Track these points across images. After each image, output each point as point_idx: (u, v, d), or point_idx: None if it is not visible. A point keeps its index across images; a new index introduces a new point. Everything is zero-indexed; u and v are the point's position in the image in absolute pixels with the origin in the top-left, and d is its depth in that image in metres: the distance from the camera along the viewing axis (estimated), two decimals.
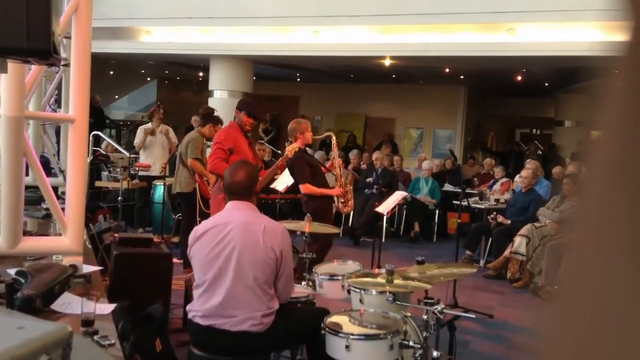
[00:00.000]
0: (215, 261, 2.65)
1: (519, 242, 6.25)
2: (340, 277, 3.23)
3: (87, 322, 2.17)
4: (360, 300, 2.91)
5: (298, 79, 14.33)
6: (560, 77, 10.97)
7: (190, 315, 2.72)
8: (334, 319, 2.76)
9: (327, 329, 2.61)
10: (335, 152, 5.44)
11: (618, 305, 0.31)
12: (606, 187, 0.33)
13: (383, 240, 7.60)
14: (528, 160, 8.43)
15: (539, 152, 12.60)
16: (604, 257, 0.32)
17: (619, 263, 0.31)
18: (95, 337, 2.08)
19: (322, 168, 5.69)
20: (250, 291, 2.62)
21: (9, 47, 1.51)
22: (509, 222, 6.79)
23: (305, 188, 5.02)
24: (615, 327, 0.31)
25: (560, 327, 0.34)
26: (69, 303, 2.36)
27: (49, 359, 0.85)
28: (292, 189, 6.25)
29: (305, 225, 3.53)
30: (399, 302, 2.67)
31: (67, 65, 3.14)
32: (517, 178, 7.86)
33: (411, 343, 2.56)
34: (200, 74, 13.57)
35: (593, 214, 0.34)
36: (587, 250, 0.34)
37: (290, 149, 4.73)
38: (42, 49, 1.54)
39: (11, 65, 2.43)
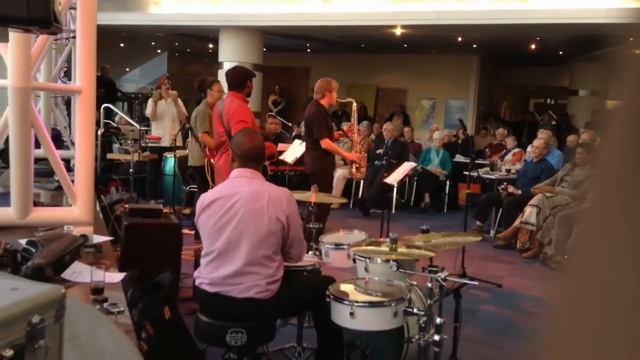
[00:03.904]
0: (222, 232, 2.69)
1: (529, 212, 6.23)
2: (346, 246, 3.26)
3: (97, 290, 2.21)
4: (366, 269, 2.94)
5: (308, 50, 14.22)
6: (575, 45, 10.77)
7: (197, 282, 2.77)
8: (340, 287, 2.79)
9: (332, 296, 2.64)
10: (355, 119, 5.59)
11: (624, 282, 0.30)
12: (621, 157, 0.33)
13: (393, 211, 7.63)
14: (540, 130, 8.35)
15: (553, 122, 12.46)
16: (614, 231, 0.32)
17: (629, 238, 0.31)
18: (105, 305, 2.13)
19: (341, 131, 5.80)
20: (258, 262, 2.66)
21: (9, 15, 1.52)
22: (519, 192, 6.77)
23: (325, 143, 5.10)
24: (620, 305, 0.31)
25: (567, 300, 0.34)
26: (80, 272, 2.41)
27: (41, 319, 0.89)
28: (301, 161, 6.27)
29: (312, 196, 3.55)
30: (402, 270, 2.70)
31: (75, 37, 3.15)
32: (529, 148, 7.79)
33: (415, 310, 2.59)
34: (210, 45, 13.50)
35: (607, 186, 0.33)
36: (599, 223, 0.33)
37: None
38: (42, 18, 1.55)
39: (16, 36, 2.44)
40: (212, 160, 5.16)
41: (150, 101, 7.52)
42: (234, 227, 2.67)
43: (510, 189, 6.86)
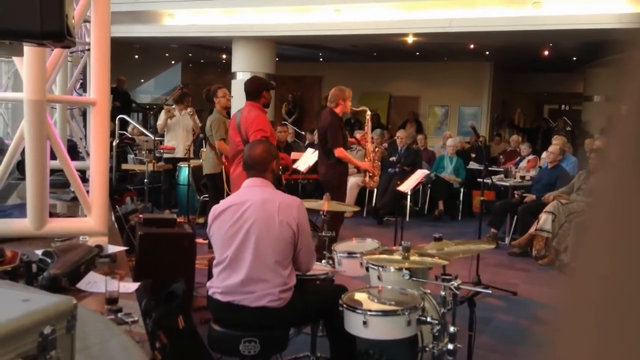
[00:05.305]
0: (233, 239, 2.70)
1: (544, 219, 6.17)
2: (358, 255, 3.25)
3: (112, 300, 2.22)
4: (379, 277, 2.93)
5: (321, 59, 14.27)
6: (589, 50, 10.69)
7: (210, 292, 2.78)
8: (353, 295, 2.78)
9: (345, 305, 2.63)
10: (368, 127, 5.58)
11: (627, 284, 0.30)
12: (628, 161, 0.32)
13: (407, 219, 7.60)
14: (555, 136, 8.28)
15: (568, 128, 12.35)
16: (618, 235, 0.32)
17: (632, 242, 0.31)
18: (119, 315, 2.14)
19: (354, 140, 5.82)
20: (269, 269, 2.67)
21: (23, 30, 1.55)
22: (534, 196, 6.73)
23: (339, 152, 5.12)
24: (624, 306, 0.30)
25: (570, 302, 0.34)
26: (95, 282, 2.42)
27: (52, 330, 0.90)
28: (314, 169, 6.28)
29: (324, 204, 3.55)
30: (415, 279, 2.68)
31: (90, 49, 3.18)
32: (543, 154, 7.74)
33: (429, 319, 2.57)
34: (224, 56, 13.60)
35: (612, 190, 0.33)
36: (603, 226, 0.33)
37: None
38: (55, 32, 1.57)
39: (31, 49, 2.49)
40: (227, 168, 5.19)
41: (163, 114, 7.58)
42: (245, 233, 2.68)
43: (527, 198, 6.81)
